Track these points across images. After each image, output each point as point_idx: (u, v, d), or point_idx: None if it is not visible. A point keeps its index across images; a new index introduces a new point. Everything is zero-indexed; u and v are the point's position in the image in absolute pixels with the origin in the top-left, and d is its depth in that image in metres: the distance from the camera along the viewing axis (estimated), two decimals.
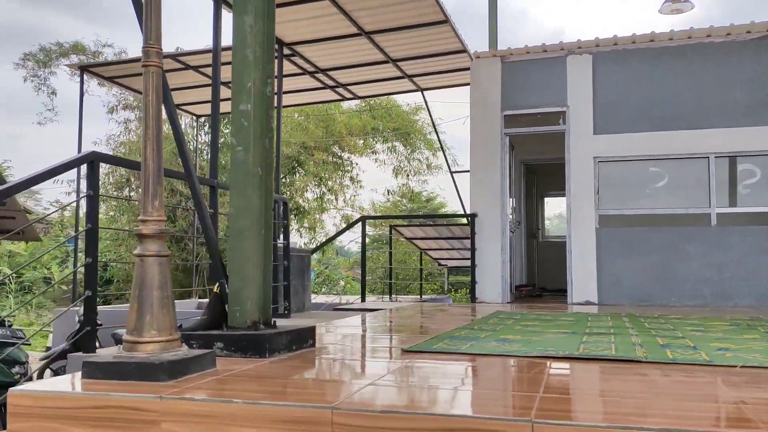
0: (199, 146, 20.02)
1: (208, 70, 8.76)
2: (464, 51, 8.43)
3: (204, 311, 3.15)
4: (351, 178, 19.47)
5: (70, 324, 7.97)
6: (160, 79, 2.62)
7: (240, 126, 3.18)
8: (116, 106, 19.46)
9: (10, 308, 18.66)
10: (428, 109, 10.14)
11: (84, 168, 4.49)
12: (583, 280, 7.97)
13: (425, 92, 10.17)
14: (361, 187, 19.83)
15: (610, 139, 8.05)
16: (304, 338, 3.30)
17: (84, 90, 9.27)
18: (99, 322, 4.27)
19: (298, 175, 18.83)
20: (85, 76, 9.39)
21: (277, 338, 3.02)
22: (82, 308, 7.69)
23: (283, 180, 19.17)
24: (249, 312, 3.09)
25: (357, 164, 19.65)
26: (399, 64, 8.95)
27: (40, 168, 3.85)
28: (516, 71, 8.45)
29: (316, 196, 19.50)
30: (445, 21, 7.51)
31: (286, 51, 8.19)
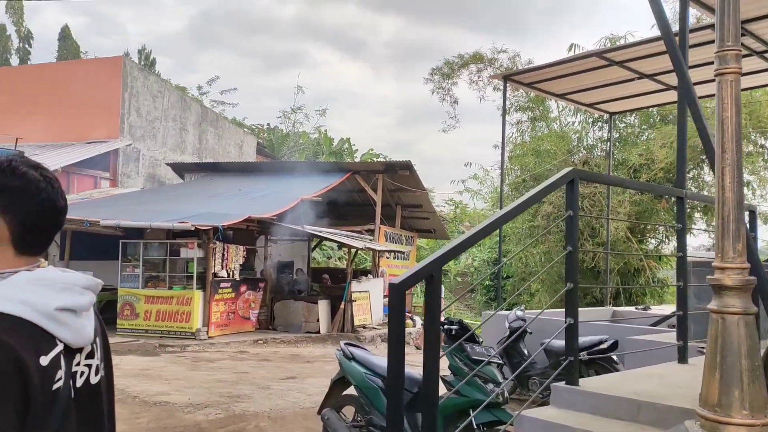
0: (590, 143, 19.38)
1: (634, 65, 8.09)
2: None
3: None
4: None
5: (499, 326, 8.19)
6: (739, 88, 2.07)
7: None
8: (510, 108, 20.07)
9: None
10: None
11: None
12: None
13: None
14: None
15: None
16: None
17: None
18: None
19: (706, 168, 16.77)
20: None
21: None
22: (511, 314, 7.73)
23: (689, 174, 17.27)
24: None
25: None
26: None
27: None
28: None
29: None
30: None
31: None
